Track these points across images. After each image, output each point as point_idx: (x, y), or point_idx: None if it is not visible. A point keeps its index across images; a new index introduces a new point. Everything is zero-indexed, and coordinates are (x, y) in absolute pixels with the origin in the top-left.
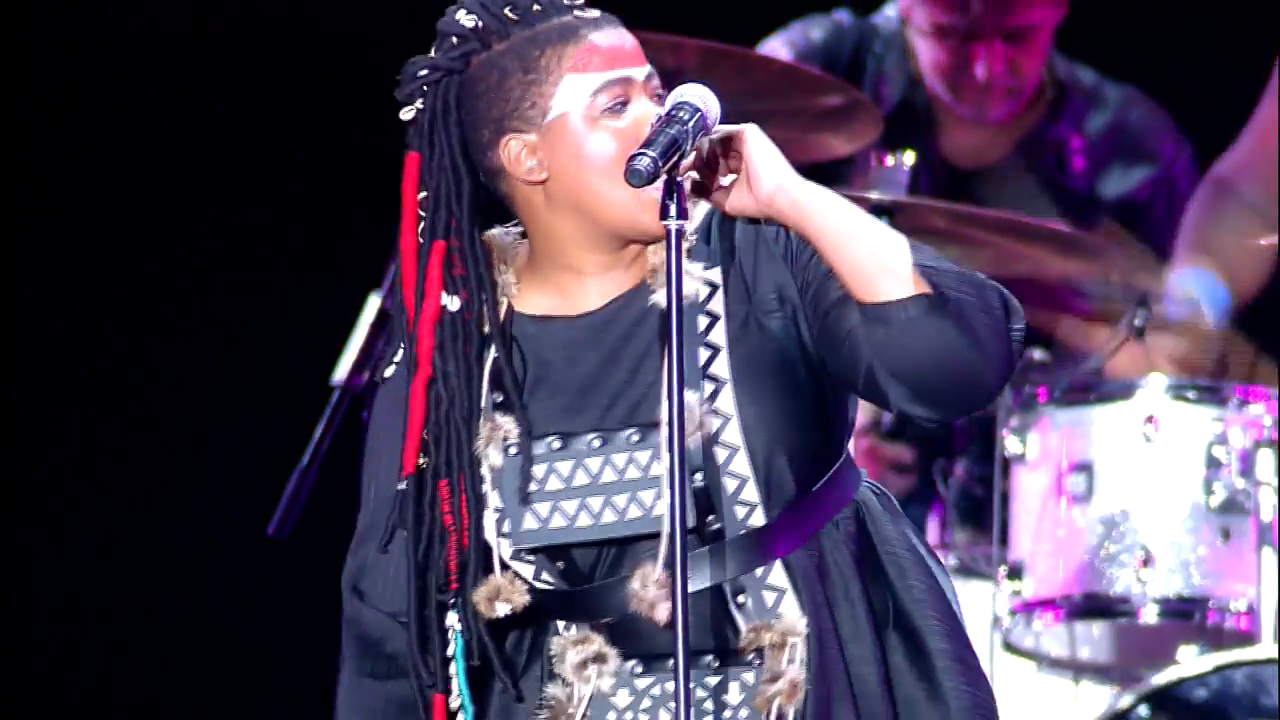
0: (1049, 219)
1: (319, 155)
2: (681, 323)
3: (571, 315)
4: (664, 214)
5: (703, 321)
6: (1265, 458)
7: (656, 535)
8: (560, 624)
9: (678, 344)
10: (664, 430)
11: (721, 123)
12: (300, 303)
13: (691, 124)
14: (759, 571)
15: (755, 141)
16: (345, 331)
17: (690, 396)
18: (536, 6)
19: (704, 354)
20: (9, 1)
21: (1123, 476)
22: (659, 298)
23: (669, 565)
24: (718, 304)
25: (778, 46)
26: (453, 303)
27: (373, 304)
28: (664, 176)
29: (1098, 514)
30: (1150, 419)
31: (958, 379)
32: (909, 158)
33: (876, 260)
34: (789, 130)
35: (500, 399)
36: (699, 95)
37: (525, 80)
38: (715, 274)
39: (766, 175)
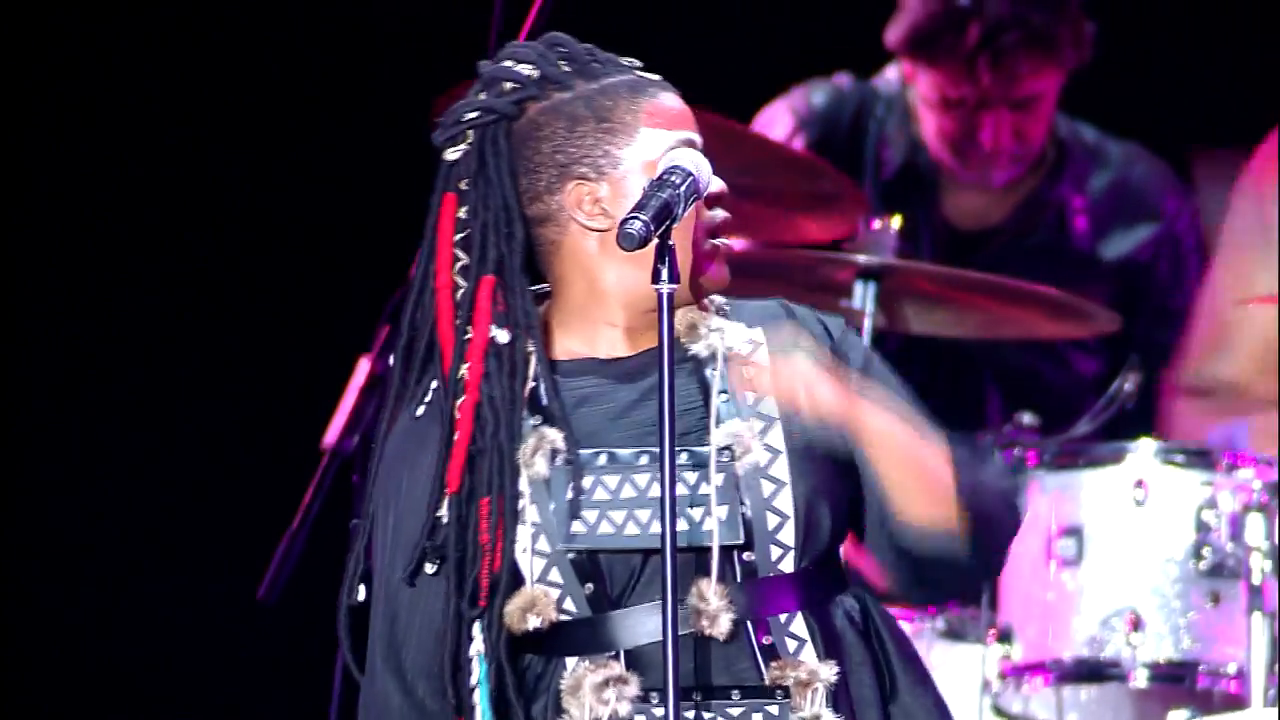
0: (1049, 281)
1: (311, 219)
2: (674, 390)
3: (604, 358)
4: (655, 278)
5: (748, 371)
6: (1255, 522)
7: (697, 550)
8: (571, 660)
9: (670, 412)
10: (713, 453)
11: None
12: (289, 366)
13: (683, 188)
14: (783, 617)
15: (806, 374)
16: (335, 395)
17: (741, 427)
18: (595, 63)
19: (751, 396)
20: (10, 2)
21: (1112, 540)
22: (697, 347)
23: (721, 579)
24: (761, 356)
25: (779, 111)
26: (502, 335)
27: (362, 367)
28: (656, 240)
29: (1087, 578)
30: (1140, 483)
31: (958, 583)
32: (897, 221)
33: (919, 486)
34: (773, 209)
35: (540, 421)
36: (691, 160)
37: (599, 129)
38: (757, 333)
39: (818, 397)
